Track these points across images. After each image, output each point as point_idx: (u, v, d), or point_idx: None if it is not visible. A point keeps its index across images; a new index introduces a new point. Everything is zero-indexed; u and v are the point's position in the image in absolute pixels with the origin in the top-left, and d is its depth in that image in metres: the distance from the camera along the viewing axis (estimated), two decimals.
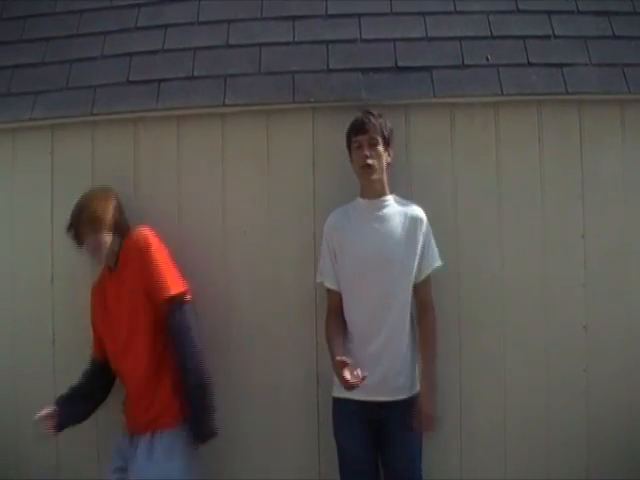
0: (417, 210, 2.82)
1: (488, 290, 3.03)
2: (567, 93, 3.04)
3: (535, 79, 3.05)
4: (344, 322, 2.83)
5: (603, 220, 3.04)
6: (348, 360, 2.58)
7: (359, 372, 2.55)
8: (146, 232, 2.85)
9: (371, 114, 2.80)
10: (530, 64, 3.07)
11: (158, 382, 2.78)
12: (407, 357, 2.77)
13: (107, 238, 2.86)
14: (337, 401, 2.82)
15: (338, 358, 2.61)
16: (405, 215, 2.79)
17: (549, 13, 3.18)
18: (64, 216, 3.14)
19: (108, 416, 3.01)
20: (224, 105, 3.06)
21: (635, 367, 3.02)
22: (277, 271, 3.07)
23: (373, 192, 2.81)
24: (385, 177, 2.82)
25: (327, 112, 3.06)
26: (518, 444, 3.01)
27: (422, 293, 2.82)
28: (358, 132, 2.78)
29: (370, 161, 2.75)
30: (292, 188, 3.08)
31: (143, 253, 2.79)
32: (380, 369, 2.71)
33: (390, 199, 2.83)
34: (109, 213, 2.87)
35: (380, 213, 2.80)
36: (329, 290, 2.86)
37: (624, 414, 3.01)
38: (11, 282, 3.20)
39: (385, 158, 2.79)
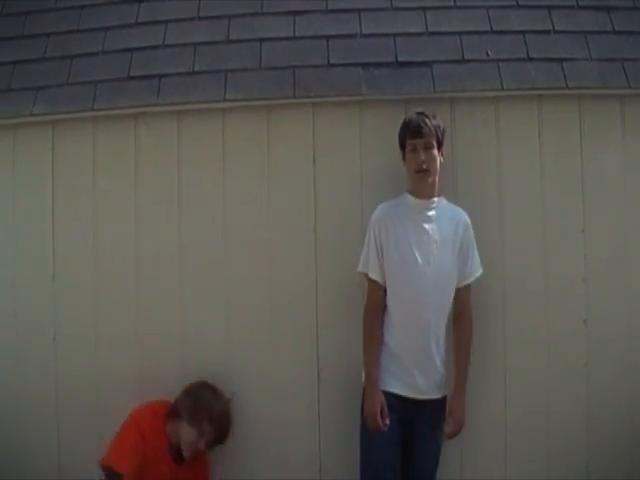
0: (463, 215, 2.85)
1: (489, 285, 3.01)
2: (567, 88, 3.04)
3: (535, 74, 3.05)
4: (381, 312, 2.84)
5: (603, 214, 3.05)
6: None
7: (387, 420, 2.69)
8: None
9: (426, 116, 2.78)
10: (530, 59, 3.08)
11: None
12: (445, 356, 2.80)
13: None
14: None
15: (378, 400, 2.70)
16: (452, 219, 2.82)
17: (549, 8, 3.19)
18: (65, 212, 3.18)
19: (109, 416, 3.04)
20: (225, 100, 3.06)
21: (635, 361, 3.02)
22: (278, 265, 3.07)
23: (424, 193, 2.81)
24: (437, 179, 2.82)
25: (327, 107, 3.06)
26: (518, 440, 3.01)
27: (463, 298, 2.84)
28: (414, 135, 2.77)
29: (425, 166, 2.75)
30: (293, 183, 3.08)
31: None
32: (421, 366, 2.74)
33: (439, 201, 2.83)
34: None
35: (429, 214, 2.80)
36: (374, 282, 2.82)
37: (624, 408, 3.01)
38: (12, 278, 3.20)
39: (439, 160, 2.79)
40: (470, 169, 3.06)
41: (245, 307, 3.09)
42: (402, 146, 2.83)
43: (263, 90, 3.07)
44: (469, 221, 2.85)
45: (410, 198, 2.83)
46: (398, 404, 2.74)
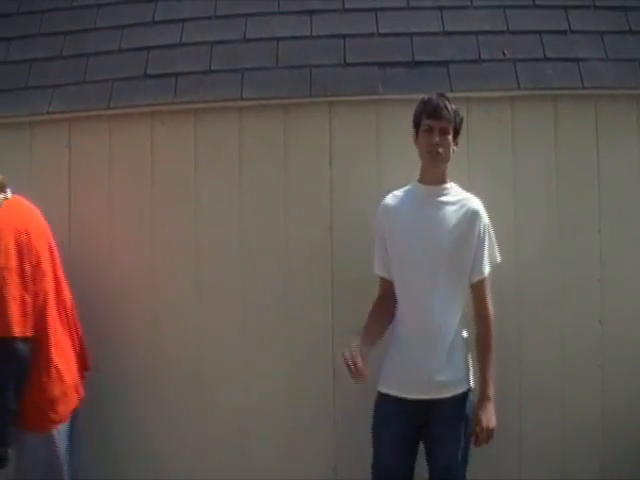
0: (475, 203, 2.69)
1: (503, 284, 3.00)
2: (583, 88, 3.03)
3: (551, 74, 3.05)
4: (389, 308, 2.73)
5: (619, 215, 3.04)
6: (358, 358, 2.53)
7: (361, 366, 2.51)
8: None
9: (447, 99, 2.67)
10: (546, 59, 3.07)
11: None
12: (454, 354, 2.64)
13: None
14: (380, 397, 2.72)
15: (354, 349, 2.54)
16: (462, 206, 2.67)
17: (565, 8, 3.18)
18: (81, 210, 3.19)
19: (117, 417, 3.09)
20: (241, 99, 3.07)
21: None
22: (293, 265, 3.08)
23: (433, 179, 2.70)
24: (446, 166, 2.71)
25: (344, 106, 3.06)
26: (533, 440, 3.01)
27: (475, 296, 2.69)
28: (431, 116, 2.64)
29: (439, 149, 2.63)
30: (309, 182, 3.08)
31: None
32: (426, 365, 2.61)
33: (450, 187, 2.71)
34: None
35: (437, 200, 2.68)
36: (379, 276, 2.77)
37: (639, 409, 3.00)
38: None
39: (452, 147, 2.67)
40: (486, 169, 3.06)
41: (260, 304, 3.09)
42: (416, 125, 2.69)
43: (279, 89, 3.08)
44: (481, 209, 2.69)
45: (419, 185, 2.74)
46: (406, 409, 2.63)
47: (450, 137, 2.66)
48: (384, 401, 2.69)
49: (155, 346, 3.12)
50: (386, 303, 2.74)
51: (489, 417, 2.62)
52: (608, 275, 3.02)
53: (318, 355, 3.04)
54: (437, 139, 2.64)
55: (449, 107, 2.65)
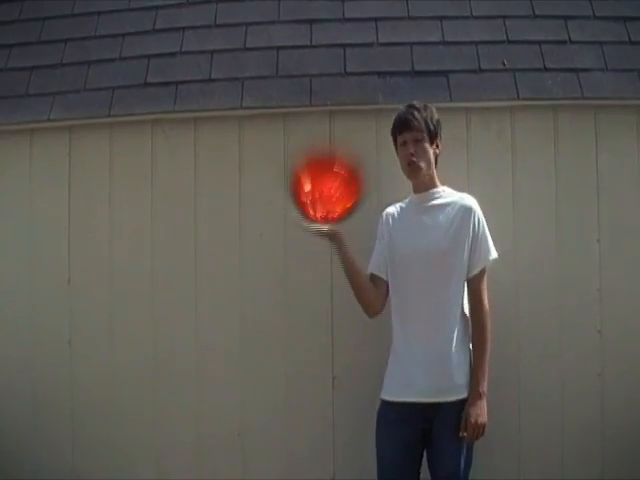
0: (468, 200, 2.71)
1: (502, 294, 3.01)
2: (583, 98, 3.04)
3: (551, 84, 3.05)
4: (376, 293, 2.76)
5: (618, 224, 3.04)
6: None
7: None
8: None
9: (415, 109, 2.69)
10: (546, 69, 3.08)
11: None
12: (456, 357, 2.61)
13: None
14: (382, 404, 2.70)
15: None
16: (454, 206, 2.69)
17: (565, 18, 3.19)
18: (81, 216, 3.20)
19: (123, 420, 3.10)
20: (241, 108, 3.08)
21: None
22: (292, 273, 3.09)
23: (422, 186, 2.73)
24: (434, 170, 2.73)
25: (344, 115, 3.07)
26: (533, 450, 3.00)
27: (472, 289, 2.67)
28: (402, 129, 2.69)
29: (415, 159, 2.68)
30: None
31: None
32: (426, 369, 2.60)
33: (440, 191, 2.74)
34: None
35: (428, 205, 2.71)
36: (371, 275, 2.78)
37: (639, 419, 3.00)
38: (28, 282, 3.22)
39: (432, 152, 2.71)
40: (485, 178, 3.06)
41: (260, 311, 3.10)
42: (394, 142, 2.76)
43: (280, 98, 3.08)
44: (474, 205, 2.69)
45: (412, 195, 2.79)
46: (409, 414, 2.60)
47: (426, 144, 2.69)
48: (385, 408, 2.68)
49: (154, 355, 3.13)
50: (375, 289, 2.77)
51: (479, 412, 2.57)
52: (607, 285, 3.02)
53: (317, 365, 3.06)
54: (411, 149, 2.68)
55: (418, 116, 2.68)
